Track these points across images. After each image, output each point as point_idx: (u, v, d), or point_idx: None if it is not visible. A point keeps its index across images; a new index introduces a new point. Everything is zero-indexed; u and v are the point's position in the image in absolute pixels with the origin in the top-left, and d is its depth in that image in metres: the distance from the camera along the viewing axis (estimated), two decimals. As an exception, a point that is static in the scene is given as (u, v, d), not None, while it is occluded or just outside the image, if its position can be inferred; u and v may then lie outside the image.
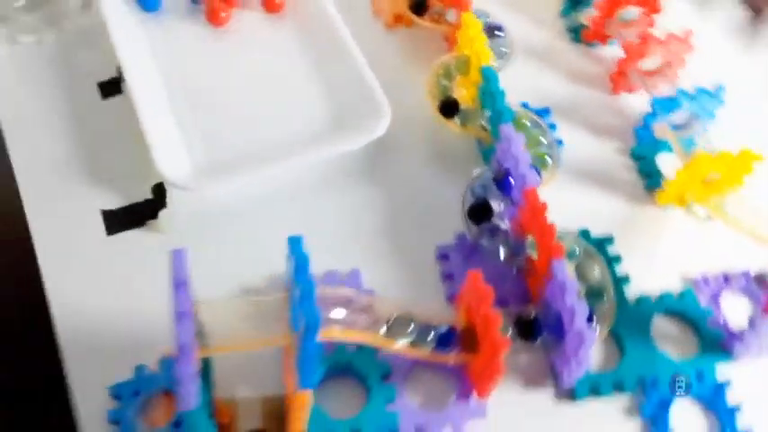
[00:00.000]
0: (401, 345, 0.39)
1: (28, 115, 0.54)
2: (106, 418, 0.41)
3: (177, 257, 0.33)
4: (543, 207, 0.44)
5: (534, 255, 0.46)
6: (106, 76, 0.56)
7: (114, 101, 0.55)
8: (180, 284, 0.31)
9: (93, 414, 0.41)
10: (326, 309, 0.37)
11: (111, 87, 0.55)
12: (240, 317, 0.36)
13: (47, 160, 0.52)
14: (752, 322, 0.42)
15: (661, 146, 0.55)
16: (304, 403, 0.36)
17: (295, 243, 0.34)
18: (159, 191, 0.50)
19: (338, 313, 0.38)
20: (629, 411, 0.44)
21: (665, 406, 0.43)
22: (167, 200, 0.49)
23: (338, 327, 0.37)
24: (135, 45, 0.56)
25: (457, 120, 0.53)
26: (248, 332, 0.35)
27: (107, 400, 0.42)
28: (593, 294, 0.45)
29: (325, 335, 0.35)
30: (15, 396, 0.75)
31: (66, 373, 0.43)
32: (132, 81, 0.52)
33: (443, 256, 0.49)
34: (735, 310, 0.47)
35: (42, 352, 0.47)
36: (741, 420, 0.43)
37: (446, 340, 0.41)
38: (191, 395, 0.31)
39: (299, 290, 0.32)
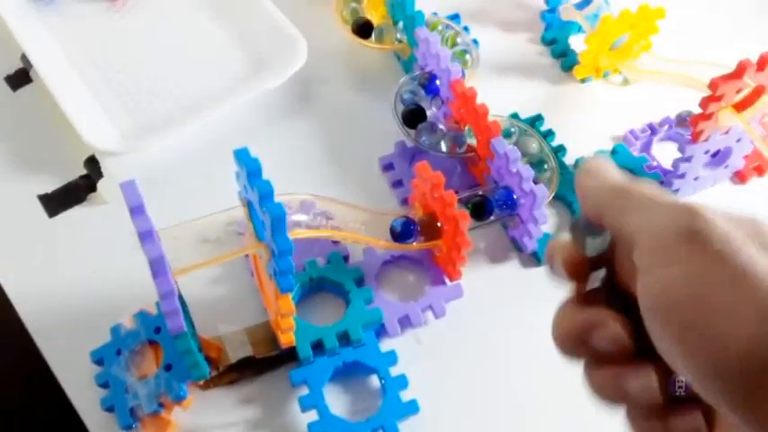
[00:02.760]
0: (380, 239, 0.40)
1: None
2: (95, 384, 0.40)
3: (128, 187, 0.32)
4: (472, 92, 0.46)
5: (474, 141, 0.47)
6: (11, 69, 0.54)
7: (26, 90, 0.54)
8: (136, 208, 0.31)
9: (82, 385, 0.41)
10: (289, 212, 0.37)
11: (20, 78, 0.54)
12: (201, 239, 0.36)
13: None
14: (682, 150, 0.45)
15: (570, 27, 0.58)
16: (289, 308, 0.37)
17: (242, 153, 0.34)
18: (92, 163, 0.49)
19: (300, 217, 0.38)
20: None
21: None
22: (102, 170, 0.48)
23: (303, 228, 0.38)
24: (36, 32, 0.55)
25: (372, 38, 0.54)
26: (213, 250, 0.36)
27: (92, 368, 0.41)
28: (535, 164, 0.47)
29: (292, 235, 0.36)
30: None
31: (44, 356, 0.43)
32: (41, 66, 0.51)
33: (388, 167, 0.50)
34: (665, 154, 0.50)
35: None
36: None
37: (406, 231, 0.43)
38: (176, 311, 0.32)
39: (258, 192, 0.32)
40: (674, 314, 0.21)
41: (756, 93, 0.43)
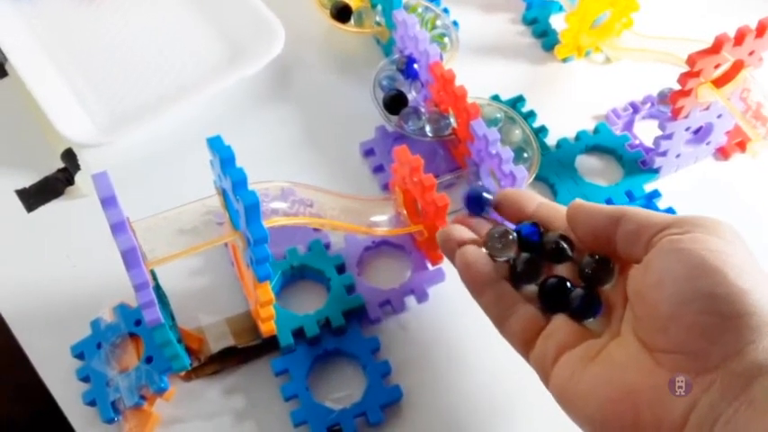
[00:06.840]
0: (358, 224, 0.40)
1: None
2: (77, 378, 0.40)
3: (100, 178, 0.32)
4: (451, 74, 0.45)
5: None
6: (-15, 63, 0.54)
7: (1, 84, 0.53)
8: (108, 200, 0.31)
9: (62, 380, 0.41)
10: (266, 200, 0.37)
11: (-5, 72, 0.53)
12: (177, 229, 0.36)
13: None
14: (662, 127, 0.45)
15: (551, 6, 0.58)
16: (268, 296, 0.36)
17: (215, 141, 0.34)
18: (69, 156, 0.48)
19: (279, 204, 0.38)
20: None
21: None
22: (80, 163, 0.48)
23: (281, 216, 0.37)
24: (11, 25, 0.54)
25: (352, 22, 0.54)
26: (189, 240, 0.35)
27: (74, 363, 0.41)
28: (517, 152, 0.47)
29: (269, 223, 0.35)
30: None
31: (25, 351, 0.42)
32: (16, 60, 0.51)
33: (369, 152, 0.50)
34: (648, 133, 0.50)
35: None
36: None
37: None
38: (151, 303, 0.31)
39: (231, 180, 0.32)
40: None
41: (735, 68, 0.43)
